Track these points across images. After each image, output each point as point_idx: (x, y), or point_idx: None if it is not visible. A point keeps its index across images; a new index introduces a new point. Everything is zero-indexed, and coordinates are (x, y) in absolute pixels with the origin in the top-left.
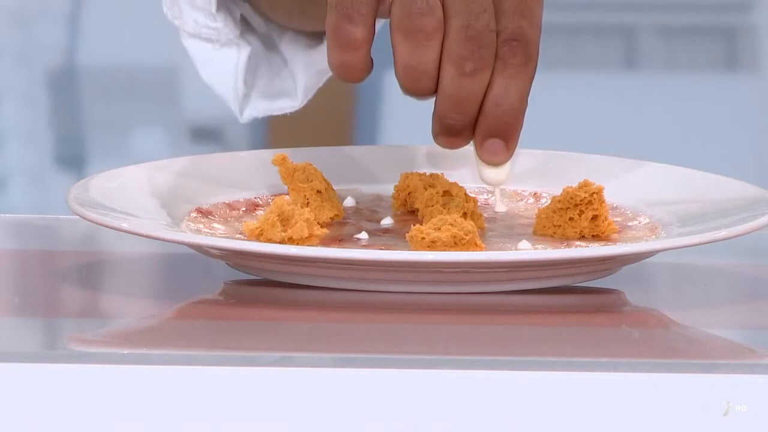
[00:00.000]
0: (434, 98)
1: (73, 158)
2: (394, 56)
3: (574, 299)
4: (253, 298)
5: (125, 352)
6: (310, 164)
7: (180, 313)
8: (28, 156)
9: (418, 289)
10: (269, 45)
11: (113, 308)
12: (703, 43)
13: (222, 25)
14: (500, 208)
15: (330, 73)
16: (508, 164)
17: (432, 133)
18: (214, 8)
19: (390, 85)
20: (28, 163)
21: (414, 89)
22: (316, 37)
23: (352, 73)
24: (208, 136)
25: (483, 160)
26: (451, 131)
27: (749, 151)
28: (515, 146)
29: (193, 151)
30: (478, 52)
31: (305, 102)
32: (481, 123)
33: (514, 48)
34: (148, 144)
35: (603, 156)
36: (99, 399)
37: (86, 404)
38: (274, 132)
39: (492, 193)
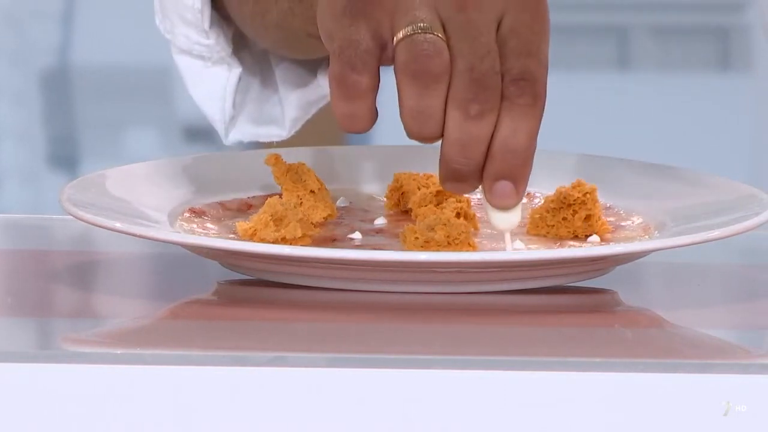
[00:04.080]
0: (441, 142)
1: (66, 158)
2: (399, 100)
3: (567, 299)
4: (247, 298)
5: (119, 352)
6: (303, 164)
7: (173, 313)
8: (21, 156)
9: (411, 289)
10: (265, 65)
11: (107, 308)
12: (697, 43)
13: (214, 43)
14: (509, 250)
15: (319, 106)
16: (518, 207)
17: (439, 178)
18: (206, 25)
19: (383, 85)
20: (22, 162)
21: (420, 133)
22: (311, 66)
23: (358, 123)
24: (201, 135)
25: (492, 205)
26: (458, 176)
27: (742, 150)
28: (525, 189)
29: (186, 151)
30: (483, 94)
31: (293, 132)
32: (489, 166)
33: (521, 87)
34: (141, 144)
35: (596, 155)
36: (92, 399)
37: (80, 404)
38: None
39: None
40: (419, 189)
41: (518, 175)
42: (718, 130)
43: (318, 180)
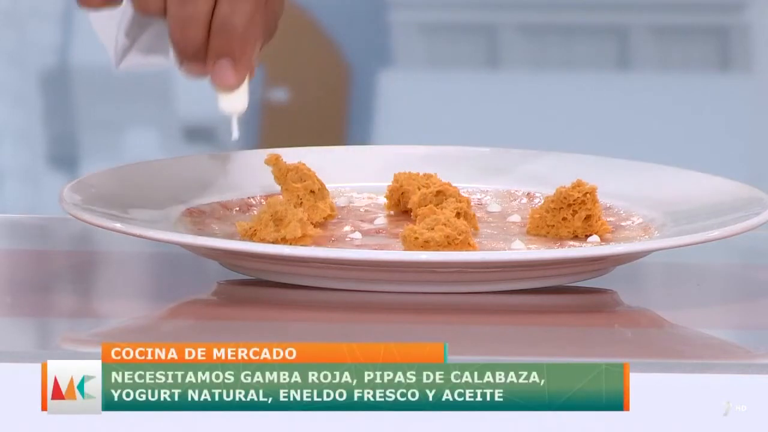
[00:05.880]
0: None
1: (66, 158)
2: None
3: (567, 299)
4: (247, 298)
5: None
6: (304, 164)
7: (173, 313)
8: (21, 156)
9: (411, 289)
10: None
11: (106, 308)
12: (696, 43)
13: None
14: (236, 135)
15: None
16: (243, 91)
17: (176, 63)
18: None
19: (384, 85)
20: (21, 162)
21: (144, 7)
22: None
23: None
24: (201, 136)
25: (214, 85)
26: (185, 55)
27: (742, 151)
28: (246, 70)
29: (186, 151)
30: None
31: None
32: (210, 45)
33: None
34: (141, 144)
35: (596, 156)
36: None
37: None
38: (267, 132)
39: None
40: (419, 189)
41: (237, 54)
42: (718, 130)
43: (318, 180)
